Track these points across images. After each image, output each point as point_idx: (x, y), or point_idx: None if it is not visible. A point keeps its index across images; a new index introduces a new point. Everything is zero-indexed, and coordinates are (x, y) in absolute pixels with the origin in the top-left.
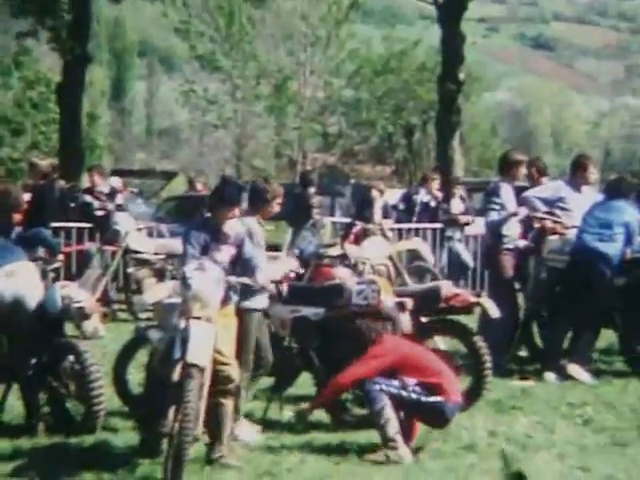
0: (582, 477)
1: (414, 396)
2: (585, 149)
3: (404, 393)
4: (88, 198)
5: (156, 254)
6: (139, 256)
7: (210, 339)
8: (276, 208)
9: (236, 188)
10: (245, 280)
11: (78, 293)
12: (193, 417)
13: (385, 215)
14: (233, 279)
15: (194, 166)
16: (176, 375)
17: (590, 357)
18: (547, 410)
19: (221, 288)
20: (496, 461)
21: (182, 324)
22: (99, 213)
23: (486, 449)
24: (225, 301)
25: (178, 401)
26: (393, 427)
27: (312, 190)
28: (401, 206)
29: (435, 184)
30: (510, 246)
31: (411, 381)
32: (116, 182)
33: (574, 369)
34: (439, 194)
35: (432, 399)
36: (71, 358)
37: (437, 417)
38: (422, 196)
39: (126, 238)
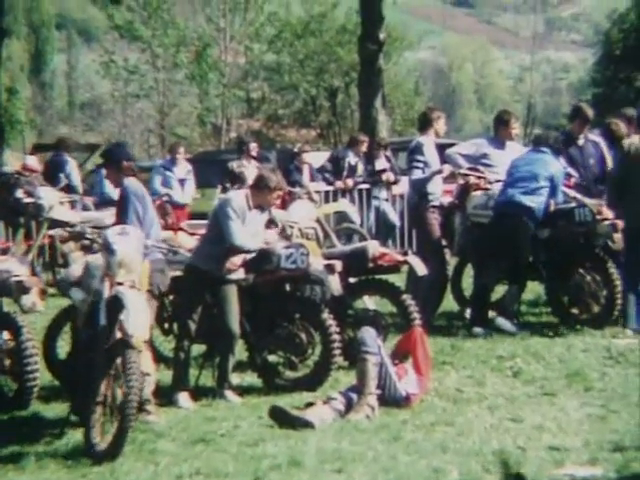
0: (513, 428)
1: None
2: (508, 104)
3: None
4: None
5: None
6: (65, 229)
7: (145, 307)
8: (275, 200)
9: None
10: (163, 245)
11: (17, 267)
12: (137, 389)
13: (311, 178)
14: (150, 243)
15: (118, 137)
16: (106, 343)
17: (516, 309)
18: (477, 364)
19: (142, 253)
20: (428, 416)
21: (106, 290)
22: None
23: (418, 405)
24: None
25: (109, 369)
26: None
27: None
28: (329, 167)
29: (363, 147)
30: (435, 203)
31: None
32: (31, 161)
33: (502, 322)
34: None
35: (400, 387)
36: (5, 334)
37: (386, 396)
38: (350, 159)
39: (50, 212)
